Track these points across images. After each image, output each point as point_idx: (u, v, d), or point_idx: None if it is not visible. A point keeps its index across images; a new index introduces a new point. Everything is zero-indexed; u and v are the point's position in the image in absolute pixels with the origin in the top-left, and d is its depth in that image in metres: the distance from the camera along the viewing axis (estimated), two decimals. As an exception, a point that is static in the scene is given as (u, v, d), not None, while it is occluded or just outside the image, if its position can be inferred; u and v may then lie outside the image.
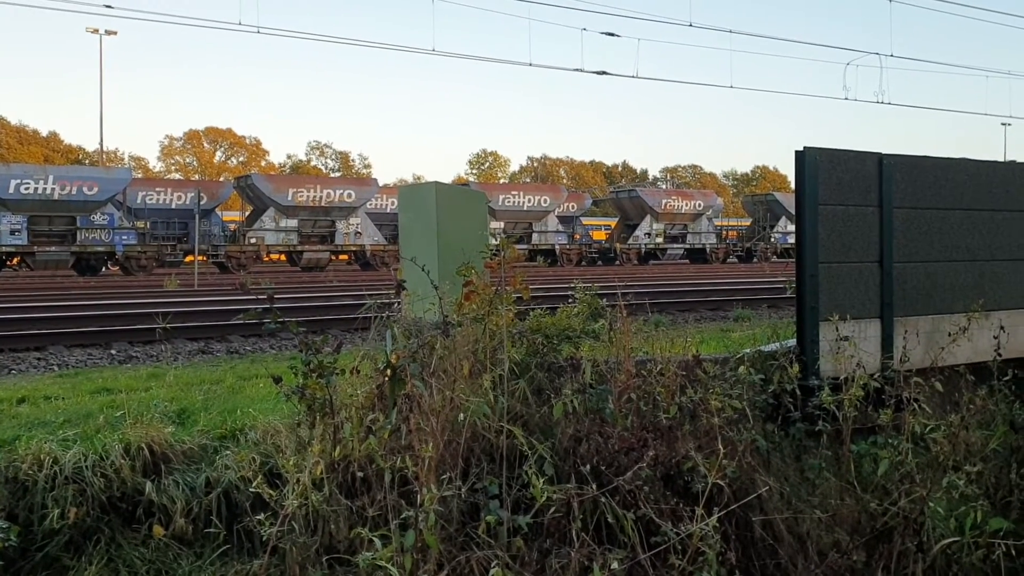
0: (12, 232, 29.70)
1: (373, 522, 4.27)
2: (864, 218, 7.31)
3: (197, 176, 74.01)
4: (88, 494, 4.80)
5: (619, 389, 5.18)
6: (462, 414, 4.77)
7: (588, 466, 4.56)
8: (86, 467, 4.88)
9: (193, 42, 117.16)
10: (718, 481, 4.51)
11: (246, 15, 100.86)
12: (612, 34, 25.56)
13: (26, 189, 29.95)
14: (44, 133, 76.01)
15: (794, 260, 7.28)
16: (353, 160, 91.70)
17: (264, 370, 8.21)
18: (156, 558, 4.70)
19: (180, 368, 8.62)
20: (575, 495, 4.41)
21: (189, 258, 32.49)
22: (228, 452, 5.21)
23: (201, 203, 27.40)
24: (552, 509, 4.38)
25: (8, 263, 31.03)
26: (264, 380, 7.39)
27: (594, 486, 4.47)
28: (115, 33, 49.71)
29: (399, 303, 6.23)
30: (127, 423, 5.30)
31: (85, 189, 30.94)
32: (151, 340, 10.94)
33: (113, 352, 10.31)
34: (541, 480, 4.40)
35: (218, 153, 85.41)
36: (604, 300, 6.36)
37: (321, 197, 36.68)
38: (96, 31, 48.77)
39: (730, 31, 30.33)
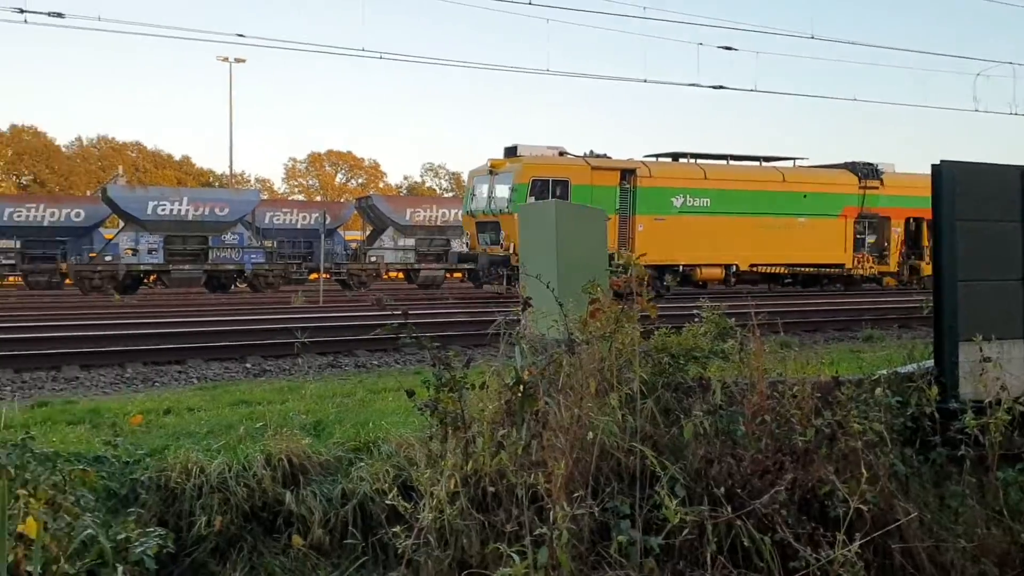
0: (150, 251, 31.38)
1: (506, 538, 4.32)
2: (1006, 234, 6.97)
3: (319, 197, 76.51)
4: (232, 503, 5.01)
5: (751, 411, 5.08)
6: (591, 432, 4.78)
7: (722, 488, 4.49)
8: (230, 477, 5.10)
9: (316, 67, 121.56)
10: (859, 506, 4.36)
11: (368, 41, 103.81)
12: (729, 48, 25.13)
13: (163, 210, 31.63)
14: (177, 157, 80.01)
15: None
16: (465, 181, 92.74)
17: (392, 384, 8.40)
18: (296, 567, 4.87)
19: (312, 382, 8.91)
20: (709, 517, 4.35)
21: (314, 276, 33.55)
22: (362, 464, 5.35)
23: (325, 223, 28.33)
24: (685, 531, 4.33)
25: (145, 281, 32.77)
26: (393, 393, 7.57)
27: (728, 508, 4.40)
28: (244, 61, 52.05)
29: (524, 320, 6.29)
30: (267, 435, 5.52)
31: (217, 210, 32.46)
32: (282, 354, 11.36)
33: (248, 366, 10.76)
34: (674, 501, 4.37)
35: (339, 175, 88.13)
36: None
37: (436, 217, 37.44)
38: (226, 59, 51.13)
39: (852, 43, 29.48)
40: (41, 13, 21.33)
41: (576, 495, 4.47)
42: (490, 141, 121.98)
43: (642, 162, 25.03)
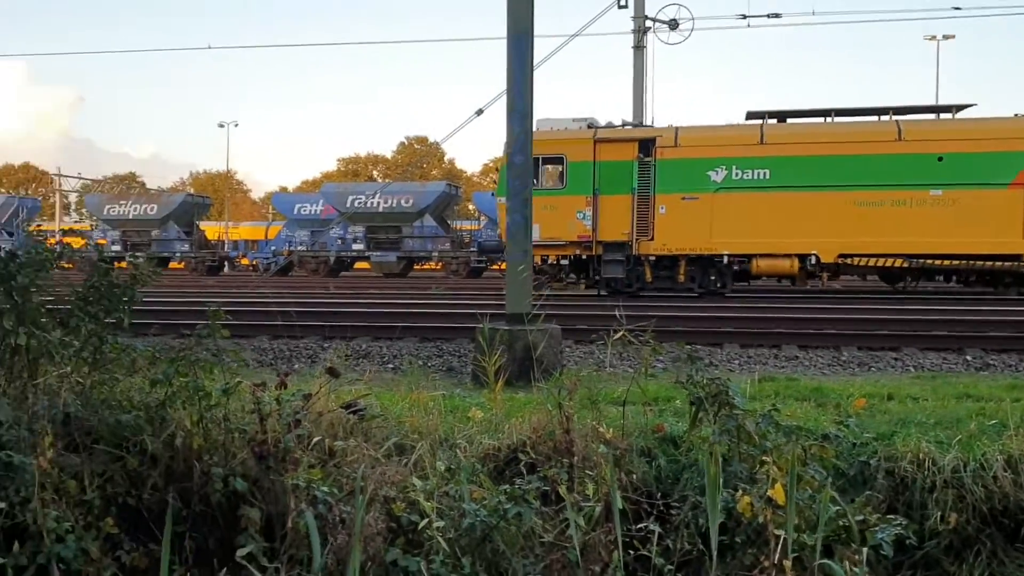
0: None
1: None
2: None
3: None
4: (967, 502, 4.71)
5: None
6: None
7: None
8: (965, 474, 4.79)
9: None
10: None
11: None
12: None
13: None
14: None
15: None
16: None
17: None
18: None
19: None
20: None
21: None
22: None
23: None
24: None
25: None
26: None
27: None
28: (952, 37, 48.52)
29: None
30: (1007, 433, 5.04)
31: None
32: (1004, 349, 10.38)
33: (968, 359, 10.05)
34: None
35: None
36: None
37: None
38: (933, 37, 48.34)
39: None
40: (761, 16, 23.01)
41: None
42: None
43: (669, 128, 19.13)
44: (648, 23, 21.94)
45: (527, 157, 8.35)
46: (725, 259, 18.74)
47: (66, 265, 5.67)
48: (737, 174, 18.62)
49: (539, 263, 19.73)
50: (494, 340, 6.89)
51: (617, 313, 5.78)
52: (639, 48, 21.90)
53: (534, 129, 20.49)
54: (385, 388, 6.59)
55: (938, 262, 18.37)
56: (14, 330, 4.69)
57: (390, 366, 9.90)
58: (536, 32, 8.70)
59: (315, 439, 4.52)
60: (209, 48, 59.95)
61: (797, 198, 18.29)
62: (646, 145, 19.07)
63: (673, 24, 21.87)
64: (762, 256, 18.57)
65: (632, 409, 5.57)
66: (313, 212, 40.08)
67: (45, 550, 3.88)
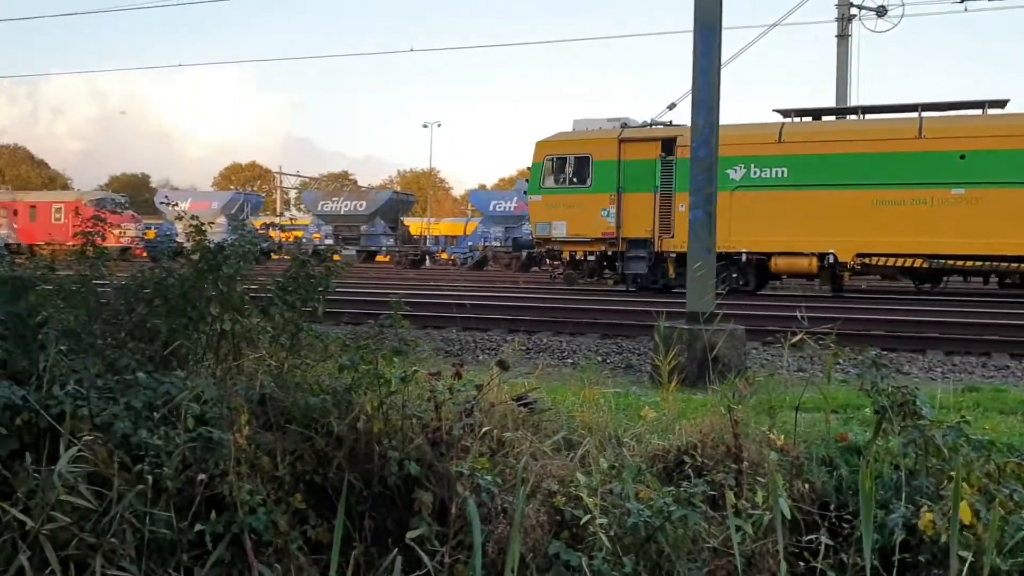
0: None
1: None
2: None
3: None
4: None
5: None
6: None
7: None
8: None
9: None
10: None
11: None
12: None
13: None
14: None
15: None
16: None
17: None
18: None
19: None
20: None
21: None
22: None
23: None
24: None
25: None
26: None
27: None
28: None
29: None
30: None
31: None
32: None
33: None
34: None
35: None
36: None
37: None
38: None
39: None
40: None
41: None
42: None
43: (687, 128, 16.69)
44: (854, 10, 20.81)
45: (712, 151, 8.17)
46: (744, 257, 18.70)
47: (276, 257, 6.10)
48: (755, 172, 18.63)
49: (567, 258, 20.84)
50: (672, 339, 6.79)
51: (799, 314, 5.57)
52: (843, 37, 20.82)
53: (570, 128, 21.33)
54: (561, 382, 6.66)
55: (960, 263, 17.32)
56: (219, 316, 5.13)
57: (568, 361, 9.98)
58: (726, 24, 8.51)
59: (485, 429, 4.64)
60: (411, 51, 62.06)
61: (815, 196, 18.09)
62: (668, 144, 19.41)
63: (881, 11, 20.62)
64: (780, 254, 18.49)
65: (816, 416, 5.35)
66: (507, 209, 40.96)
67: (238, 520, 4.20)
